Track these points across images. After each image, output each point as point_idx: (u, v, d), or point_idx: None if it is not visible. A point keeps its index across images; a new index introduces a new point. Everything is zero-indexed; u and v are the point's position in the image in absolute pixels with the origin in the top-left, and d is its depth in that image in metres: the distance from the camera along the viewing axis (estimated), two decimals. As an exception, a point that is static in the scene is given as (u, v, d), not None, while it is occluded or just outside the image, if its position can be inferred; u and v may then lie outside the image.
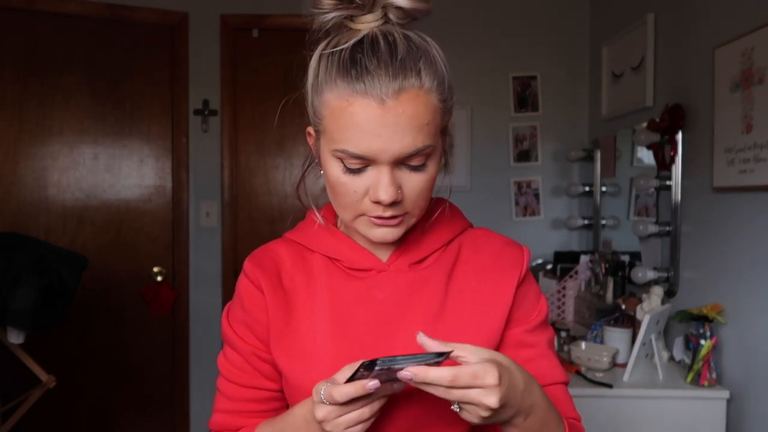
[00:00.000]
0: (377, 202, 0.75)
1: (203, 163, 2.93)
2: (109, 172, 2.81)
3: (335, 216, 0.90)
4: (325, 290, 0.84)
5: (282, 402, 0.88)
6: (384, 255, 0.86)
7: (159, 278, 2.89)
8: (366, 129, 0.71)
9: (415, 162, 0.75)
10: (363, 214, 0.78)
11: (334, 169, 0.76)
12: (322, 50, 0.75)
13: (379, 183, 0.74)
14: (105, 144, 2.80)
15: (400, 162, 0.74)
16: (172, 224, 2.92)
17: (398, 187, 0.75)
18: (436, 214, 0.88)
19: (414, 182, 0.76)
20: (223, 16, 2.91)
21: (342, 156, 0.74)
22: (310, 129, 0.82)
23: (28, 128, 2.67)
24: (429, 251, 0.86)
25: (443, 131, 0.80)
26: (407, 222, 0.79)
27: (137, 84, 2.84)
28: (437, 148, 0.77)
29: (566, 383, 0.89)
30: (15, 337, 2.05)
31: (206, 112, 2.91)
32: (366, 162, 0.74)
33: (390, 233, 0.79)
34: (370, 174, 0.75)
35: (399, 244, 0.86)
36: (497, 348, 0.86)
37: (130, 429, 2.90)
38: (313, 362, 0.81)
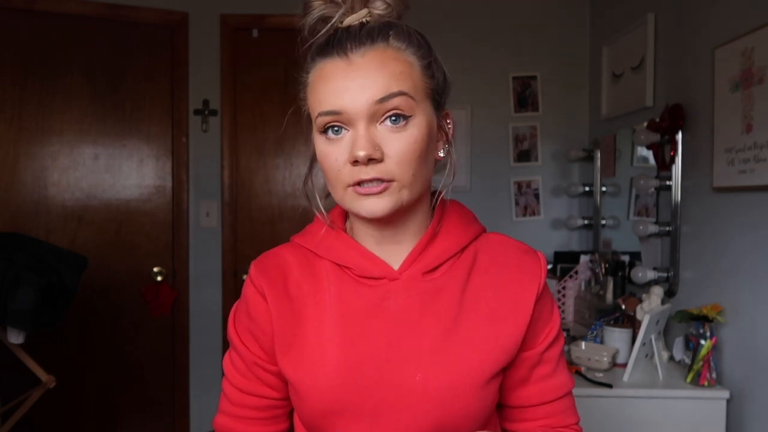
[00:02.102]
0: (355, 163, 0.73)
1: (203, 163, 2.93)
2: (109, 172, 2.81)
3: (344, 220, 0.87)
4: (334, 299, 0.81)
5: (283, 410, 0.88)
6: (396, 262, 0.82)
7: (159, 278, 2.89)
8: (334, 85, 0.73)
9: (392, 114, 0.73)
10: (349, 186, 0.75)
11: (319, 145, 0.77)
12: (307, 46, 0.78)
13: (353, 142, 0.73)
14: (105, 144, 2.80)
15: (377, 119, 0.73)
16: (172, 224, 2.91)
17: (376, 146, 0.72)
18: (444, 210, 0.85)
19: (395, 142, 0.73)
20: (223, 16, 2.91)
21: (321, 122, 0.74)
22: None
23: (28, 128, 2.67)
24: (443, 258, 0.82)
25: (433, 97, 0.77)
26: (396, 193, 0.74)
27: (137, 84, 2.84)
28: (421, 109, 0.75)
29: (572, 388, 0.90)
30: (15, 337, 2.05)
31: (206, 112, 2.91)
32: (341, 120, 0.73)
33: (377, 204, 0.74)
34: (349, 137, 0.74)
35: (410, 250, 0.82)
36: (512, 363, 0.83)
37: (129, 428, 2.90)
38: (321, 374, 0.78)
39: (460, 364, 0.78)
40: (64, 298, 2.11)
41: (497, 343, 0.80)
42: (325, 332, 0.80)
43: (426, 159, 0.77)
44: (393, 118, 0.73)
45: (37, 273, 2.01)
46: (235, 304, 0.89)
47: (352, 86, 0.72)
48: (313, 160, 0.84)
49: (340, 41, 0.74)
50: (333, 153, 0.75)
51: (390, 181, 0.74)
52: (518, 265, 0.85)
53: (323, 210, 0.85)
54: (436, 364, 0.78)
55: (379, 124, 0.73)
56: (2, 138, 2.63)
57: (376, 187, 0.73)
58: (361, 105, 0.72)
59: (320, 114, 0.74)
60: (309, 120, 0.79)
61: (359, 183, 0.74)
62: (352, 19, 0.76)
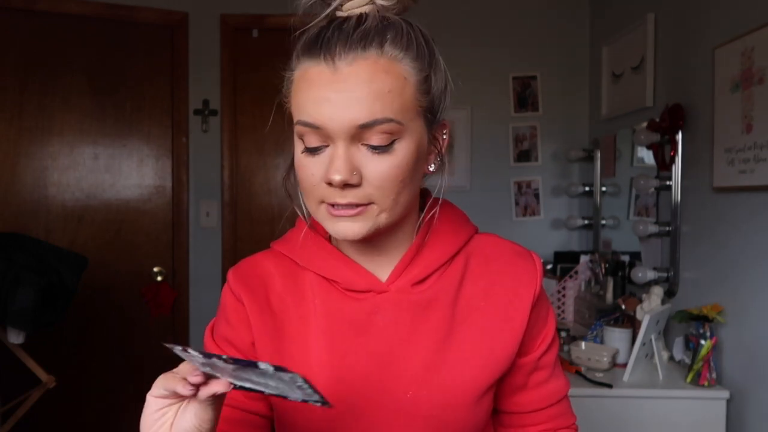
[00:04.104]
0: (330, 184, 0.67)
1: (203, 163, 2.93)
2: (109, 172, 2.81)
3: None
4: (320, 315, 0.76)
5: (263, 429, 0.82)
6: (383, 273, 0.77)
7: (159, 278, 2.89)
8: (317, 95, 0.66)
9: (375, 140, 0.66)
10: (323, 202, 0.69)
11: (297, 152, 0.71)
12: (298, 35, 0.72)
13: (331, 161, 0.66)
14: (105, 144, 2.80)
15: (359, 139, 0.66)
16: (172, 224, 2.91)
17: (354, 168, 0.66)
18: (431, 214, 0.78)
19: (376, 166, 0.67)
20: (223, 16, 2.91)
21: (299, 131, 0.69)
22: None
23: (28, 128, 2.67)
24: (433, 268, 0.77)
25: (426, 115, 0.71)
26: (374, 216, 0.69)
27: (137, 84, 2.84)
28: (410, 130, 0.68)
29: (569, 389, 0.88)
30: (15, 337, 2.05)
31: (206, 112, 2.91)
32: (320, 135, 0.67)
33: (351, 228, 0.69)
34: (327, 154, 0.67)
35: (398, 259, 0.78)
36: (507, 372, 0.80)
37: (130, 428, 2.90)
38: None
39: (453, 380, 0.75)
40: (64, 298, 2.11)
41: (492, 356, 0.77)
42: (310, 349, 0.75)
43: (411, 181, 0.70)
44: (374, 144, 0.67)
45: (37, 273, 2.01)
46: (211, 321, 0.84)
47: (335, 99, 0.65)
48: (293, 156, 0.78)
49: (329, 42, 0.66)
50: (309, 167, 0.69)
51: (367, 204, 0.68)
52: (512, 270, 0.80)
53: (304, 211, 0.79)
54: (428, 381, 0.74)
55: (361, 144, 0.67)
56: (2, 138, 2.63)
57: (350, 210, 0.68)
58: (341, 124, 0.65)
59: (298, 122, 0.69)
60: (291, 119, 0.74)
61: (333, 204, 0.68)
62: (351, 6, 0.69)
